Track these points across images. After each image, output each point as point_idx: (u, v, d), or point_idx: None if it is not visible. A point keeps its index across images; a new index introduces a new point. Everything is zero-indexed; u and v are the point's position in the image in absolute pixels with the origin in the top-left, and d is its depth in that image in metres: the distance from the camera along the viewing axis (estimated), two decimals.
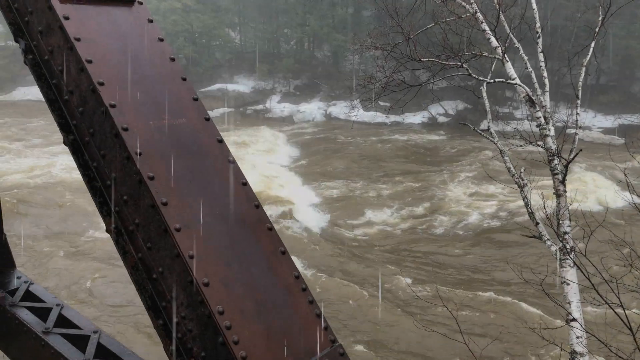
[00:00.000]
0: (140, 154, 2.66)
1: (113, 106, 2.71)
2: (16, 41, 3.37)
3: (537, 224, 7.87)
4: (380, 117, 39.49)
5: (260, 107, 47.30)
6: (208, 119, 3.14)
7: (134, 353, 3.98)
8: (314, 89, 48.71)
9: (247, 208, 2.90)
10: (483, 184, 24.34)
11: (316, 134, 38.71)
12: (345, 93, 43.02)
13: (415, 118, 40.26)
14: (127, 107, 2.76)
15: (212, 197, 2.81)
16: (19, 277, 5.54)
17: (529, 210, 7.87)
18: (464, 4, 7.74)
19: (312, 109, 45.60)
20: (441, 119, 40.75)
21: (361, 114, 34.30)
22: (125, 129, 2.68)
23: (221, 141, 3.11)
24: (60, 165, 25.23)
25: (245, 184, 3.03)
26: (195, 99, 3.14)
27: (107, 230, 2.95)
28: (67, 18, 2.90)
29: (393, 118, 39.37)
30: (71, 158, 3.06)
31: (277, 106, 46.97)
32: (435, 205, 22.26)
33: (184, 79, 3.17)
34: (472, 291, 14.87)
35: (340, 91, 45.88)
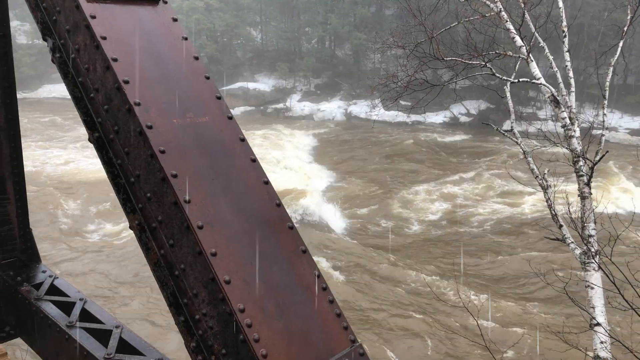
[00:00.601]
0: (163, 152, 2.68)
1: (137, 104, 2.74)
2: (44, 39, 3.42)
3: (561, 226, 7.74)
4: (401, 117, 39.28)
5: (280, 105, 47.45)
6: (231, 118, 3.16)
7: (154, 348, 4.03)
8: (335, 88, 48.67)
9: (268, 206, 2.91)
10: (506, 184, 24.05)
11: (336, 132, 38.67)
12: (366, 92, 42.91)
13: (437, 117, 39.95)
14: (151, 105, 2.78)
15: (233, 195, 2.82)
16: (43, 271, 5.65)
17: (553, 212, 7.73)
18: (488, 2, 7.63)
19: (332, 107, 45.58)
20: (463, 119, 40.36)
21: (382, 113, 34.14)
22: (150, 127, 2.70)
23: (243, 140, 3.13)
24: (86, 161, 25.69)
25: (267, 182, 3.04)
26: (218, 98, 3.16)
27: (131, 227, 2.99)
28: (93, 17, 2.93)
29: (414, 117, 39.11)
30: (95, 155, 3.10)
31: (298, 105, 47.05)
32: (457, 205, 22.08)
33: (207, 78, 3.19)
34: (495, 292, 14.72)
35: (361, 90, 45.77)
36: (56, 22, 3.21)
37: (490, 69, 7.70)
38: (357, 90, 46.62)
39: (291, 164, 26.77)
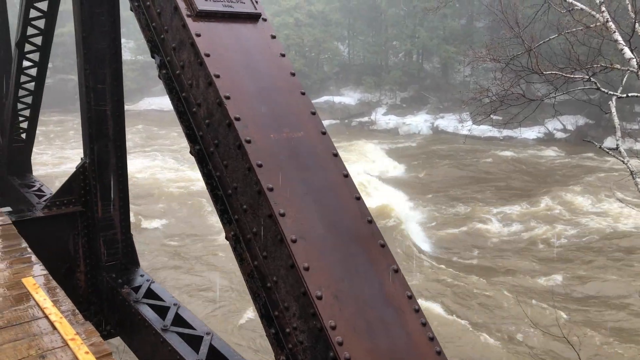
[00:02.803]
0: (260, 166, 2.75)
1: (237, 119, 2.83)
2: (152, 57, 3.64)
3: None
4: (491, 131, 37.92)
5: (365, 119, 47.49)
6: (324, 133, 3.18)
7: (243, 358, 4.12)
8: (421, 102, 47.98)
9: (360, 223, 2.88)
10: (608, 207, 22.44)
11: (421, 146, 38.02)
12: (454, 105, 41.91)
13: (530, 133, 38.08)
14: (250, 120, 2.87)
15: (326, 210, 2.83)
16: (142, 275, 6.00)
17: None
18: (593, 12, 7.18)
19: (419, 121, 44.91)
20: (559, 135, 38.21)
21: (472, 128, 33.18)
22: (248, 141, 2.78)
23: (336, 155, 3.14)
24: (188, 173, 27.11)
25: (359, 198, 3.02)
26: (313, 113, 3.20)
27: (227, 237, 3.08)
28: (198, 35, 3.08)
29: (505, 132, 37.58)
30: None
31: (382, 118, 46.84)
32: (556, 227, 20.84)
33: (303, 94, 3.24)
34: (593, 320, 13.70)
35: (449, 103, 44.76)
36: (164, 41, 3.41)
37: (595, 82, 7.21)
38: (445, 103, 45.68)
39: (372, 180, 26.61)
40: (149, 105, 52.10)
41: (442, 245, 19.68)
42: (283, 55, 3.32)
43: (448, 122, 43.08)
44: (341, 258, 2.74)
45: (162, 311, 5.02)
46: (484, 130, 37.20)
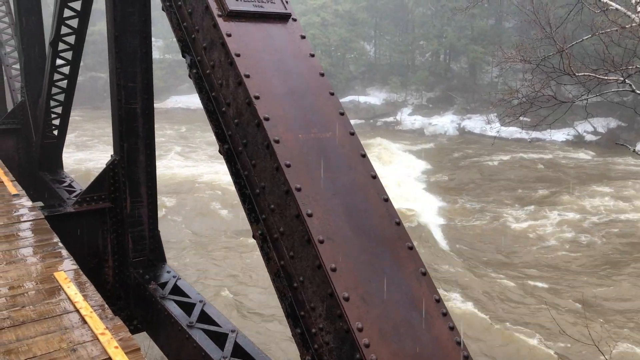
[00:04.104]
0: (289, 166, 2.75)
1: (267, 119, 2.84)
2: (183, 56, 3.68)
3: None
4: (520, 133, 37.29)
5: (390, 119, 47.23)
6: (353, 133, 3.17)
7: (268, 357, 4.13)
8: (448, 102, 47.51)
9: (388, 224, 2.86)
10: None
11: (447, 147, 37.62)
12: (481, 106, 41.39)
13: (559, 135, 37.34)
14: (279, 120, 2.88)
15: (354, 211, 2.81)
16: (168, 272, 6.07)
17: None
18: (628, 13, 7.00)
19: (445, 122, 44.47)
20: (589, 137, 37.37)
21: (499, 129, 32.66)
22: (277, 141, 2.79)
23: (364, 156, 3.12)
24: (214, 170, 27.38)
25: (387, 199, 3.00)
26: (342, 114, 3.19)
27: (254, 236, 3.10)
28: (229, 35, 3.10)
29: (533, 134, 36.93)
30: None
31: (408, 119, 46.52)
32: (588, 230, 20.38)
33: (332, 94, 3.23)
34: (624, 327, 13.37)
35: (476, 104, 44.22)
36: (194, 40, 3.44)
37: (630, 84, 7.03)
38: (472, 104, 45.14)
39: (397, 181, 26.43)
40: (175, 103, 52.81)
41: (469, 247, 19.44)
42: (312, 56, 3.32)
43: (475, 123, 42.56)
44: (368, 260, 2.73)
45: (187, 308, 5.07)
46: (512, 132, 36.64)
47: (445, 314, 2.63)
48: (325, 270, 2.58)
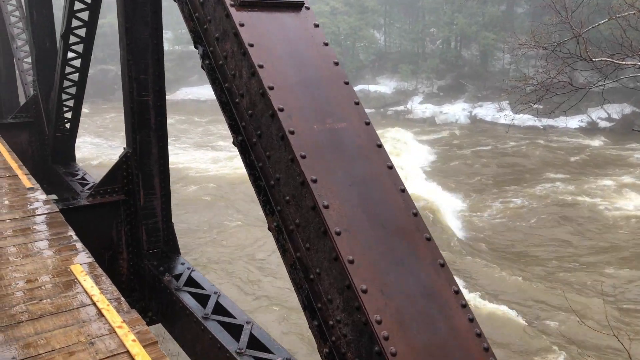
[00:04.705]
0: (304, 157, 2.71)
1: (281, 110, 2.80)
2: (195, 47, 3.64)
3: None
4: (533, 121, 36.91)
5: (401, 108, 46.92)
6: (368, 123, 3.12)
7: (283, 348, 4.13)
8: (459, 90, 47.08)
9: (405, 215, 2.82)
10: None
11: (460, 136, 37.33)
12: (493, 94, 40.99)
13: (572, 122, 36.84)
14: (293, 111, 2.83)
15: (370, 202, 2.78)
16: (182, 264, 6.08)
17: None
18: None
19: (456, 110, 44.09)
20: (603, 124, 36.86)
21: (511, 117, 32.32)
22: (292, 132, 2.75)
23: (380, 146, 3.07)
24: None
25: (404, 190, 2.95)
26: (357, 103, 3.14)
27: (269, 228, 3.07)
28: (242, 25, 3.05)
29: (545, 121, 36.51)
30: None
31: (419, 107, 46.19)
32: (607, 217, 20.15)
33: (347, 83, 3.18)
34: None
35: (488, 92, 43.78)
36: (207, 31, 3.39)
37: None
38: (484, 92, 44.69)
39: (410, 170, 26.28)
40: (185, 95, 52.85)
41: (485, 237, 19.33)
42: (326, 44, 3.26)
43: (486, 111, 42.16)
44: (386, 251, 2.69)
45: (202, 299, 5.08)
46: (524, 119, 36.25)
47: (465, 306, 2.59)
48: (342, 262, 2.55)
